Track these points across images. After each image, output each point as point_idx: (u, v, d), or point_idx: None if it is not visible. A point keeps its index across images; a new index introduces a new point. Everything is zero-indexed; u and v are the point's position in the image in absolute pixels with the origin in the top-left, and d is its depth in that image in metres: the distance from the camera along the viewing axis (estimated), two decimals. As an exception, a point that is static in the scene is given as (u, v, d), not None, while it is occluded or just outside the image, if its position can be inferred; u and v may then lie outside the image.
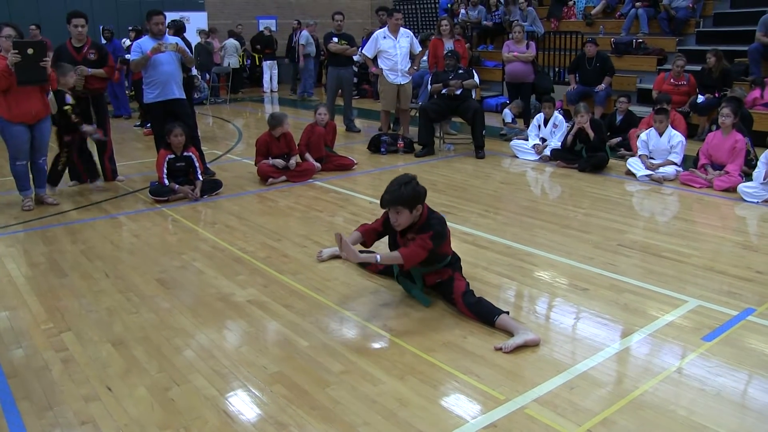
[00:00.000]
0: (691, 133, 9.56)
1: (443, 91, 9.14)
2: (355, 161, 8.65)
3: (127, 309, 4.38)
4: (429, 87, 9.61)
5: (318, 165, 8.22)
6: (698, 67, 10.31)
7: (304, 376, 3.48)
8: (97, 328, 4.10)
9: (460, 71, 9.29)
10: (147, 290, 4.69)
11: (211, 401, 3.27)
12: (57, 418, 3.14)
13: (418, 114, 10.04)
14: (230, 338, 3.97)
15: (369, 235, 4.54)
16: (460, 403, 3.22)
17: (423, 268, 4.34)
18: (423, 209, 4.19)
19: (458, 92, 9.12)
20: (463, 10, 15.76)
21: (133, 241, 5.83)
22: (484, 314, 4.05)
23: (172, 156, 7.05)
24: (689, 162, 7.87)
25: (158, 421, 3.10)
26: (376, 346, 3.85)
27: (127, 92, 14.17)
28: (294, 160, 7.89)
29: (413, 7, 18.11)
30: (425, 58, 11.05)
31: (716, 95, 9.76)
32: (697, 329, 3.95)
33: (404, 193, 4.05)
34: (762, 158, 6.80)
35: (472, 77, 9.41)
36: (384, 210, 4.34)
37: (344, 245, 4.01)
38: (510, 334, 3.87)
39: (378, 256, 4.13)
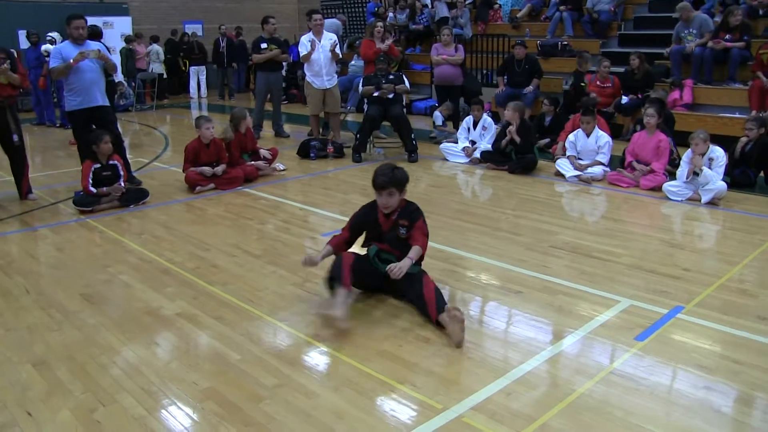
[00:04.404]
0: (617, 133, 9.78)
1: (375, 93, 9.10)
2: (282, 167, 8.55)
3: (50, 326, 4.18)
4: (360, 90, 9.54)
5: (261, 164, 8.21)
6: (621, 69, 10.58)
7: (237, 391, 3.37)
8: (16, 348, 3.89)
9: (391, 76, 9.27)
10: (71, 306, 4.49)
11: (139, 421, 3.13)
12: (-29, 449, 2.96)
13: (355, 119, 9.92)
14: (159, 354, 3.83)
15: (340, 246, 4.55)
16: (397, 414, 3.16)
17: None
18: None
19: (390, 96, 9.10)
20: (390, 14, 15.80)
21: (56, 255, 5.59)
22: (439, 301, 4.10)
23: (98, 165, 6.82)
24: (616, 162, 8.04)
25: (82, 446, 2.95)
26: (310, 357, 3.76)
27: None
28: (221, 167, 7.70)
29: (340, 11, 18.06)
30: (353, 62, 11.00)
31: (639, 96, 10.03)
32: (630, 329, 4.01)
33: (398, 176, 4.31)
34: (684, 157, 7.00)
35: (403, 82, 9.41)
36: (349, 219, 4.65)
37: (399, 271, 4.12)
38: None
39: (409, 259, 4.21)
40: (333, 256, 4.46)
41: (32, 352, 3.84)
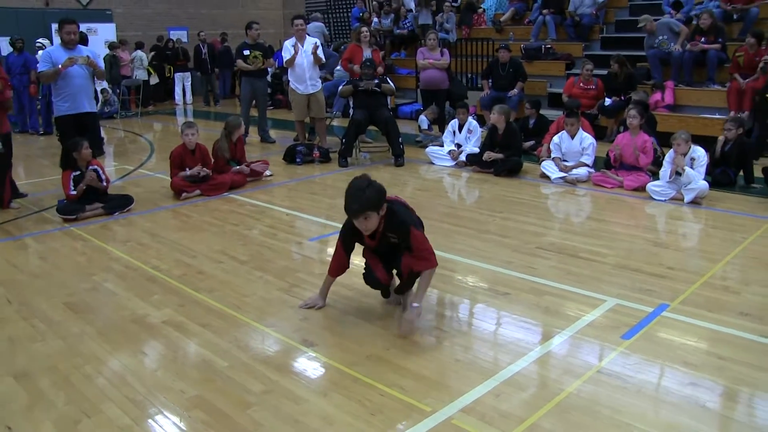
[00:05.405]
0: (600, 134, 9.83)
1: (360, 87, 9.09)
2: (269, 173, 8.53)
3: (32, 337, 4.13)
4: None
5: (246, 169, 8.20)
6: (604, 72, 10.65)
7: (224, 399, 3.35)
8: (-2, 360, 3.85)
9: (376, 81, 9.27)
10: (54, 316, 4.44)
11: None
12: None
13: (341, 124, 9.91)
14: (145, 362, 3.79)
15: (343, 269, 4.33)
16: (386, 418, 3.15)
17: None
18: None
19: (377, 89, 9.09)
20: (375, 19, 15.83)
21: (39, 264, 5.53)
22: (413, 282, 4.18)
23: (77, 173, 6.77)
24: (600, 163, 8.08)
25: (68, 456, 2.92)
26: (298, 363, 3.75)
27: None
28: (205, 170, 7.65)
29: (325, 16, 18.07)
30: (339, 67, 10.98)
31: (622, 98, 10.10)
32: (616, 328, 4.02)
33: (370, 197, 3.80)
34: (666, 157, 7.06)
35: (388, 84, 9.43)
36: (338, 242, 4.23)
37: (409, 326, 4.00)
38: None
39: (416, 305, 3.97)
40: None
41: (13, 364, 3.79)
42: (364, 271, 4.34)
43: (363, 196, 3.79)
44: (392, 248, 4.15)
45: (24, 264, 5.58)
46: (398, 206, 4.10)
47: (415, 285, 4.14)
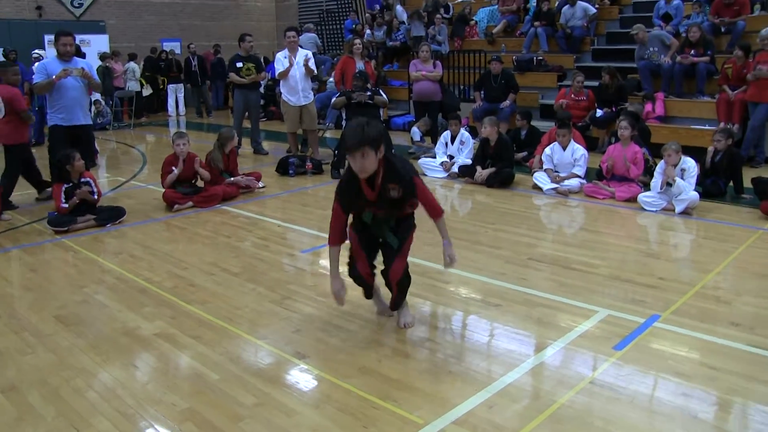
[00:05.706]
0: (592, 146, 9.87)
1: (353, 99, 9.11)
2: (261, 184, 8.52)
3: (22, 350, 4.10)
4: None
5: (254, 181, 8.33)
6: (595, 83, 10.70)
7: (216, 411, 3.33)
8: (-14, 374, 3.82)
9: (368, 92, 9.30)
10: (45, 328, 4.41)
11: (115, 445, 3.08)
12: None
13: (334, 136, 9.91)
14: (136, 375, 3.77)
15: (343, 236, 4.11)
16: (379, 431, 3.13)
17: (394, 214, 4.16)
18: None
19: (370, 101, 9.10)
20: (368, 31, 15.90)
21: (30, 276, 5.50)
22: (404, 292, 4.23)
23: (69, 185, 6.76)
24: (592, 174, 8.10)
25: (57, 470, 2.90)
26: (290, 375, 3.73)
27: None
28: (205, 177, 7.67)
29: (318, 27, 18.13)
30: (332, 79, 11.02)
31: (613, 109, 10.16)
32: (608, 338, 4.02)
33: (369, 132, 3.71)
34: (657, 169, 7.10)
35: (380, 96, 9.45)
36: (335, 204, 4.03)
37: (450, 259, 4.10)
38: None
39: (446, 242, 4.13)
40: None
41: (2, 377, 3.76)
42: (348, 261, 4.25)
43: (362, 132, 3.72)
44: (390, 203, 4.00)
45: (14, 276, 5.55)
46: (397, 157, 4.05)
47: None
